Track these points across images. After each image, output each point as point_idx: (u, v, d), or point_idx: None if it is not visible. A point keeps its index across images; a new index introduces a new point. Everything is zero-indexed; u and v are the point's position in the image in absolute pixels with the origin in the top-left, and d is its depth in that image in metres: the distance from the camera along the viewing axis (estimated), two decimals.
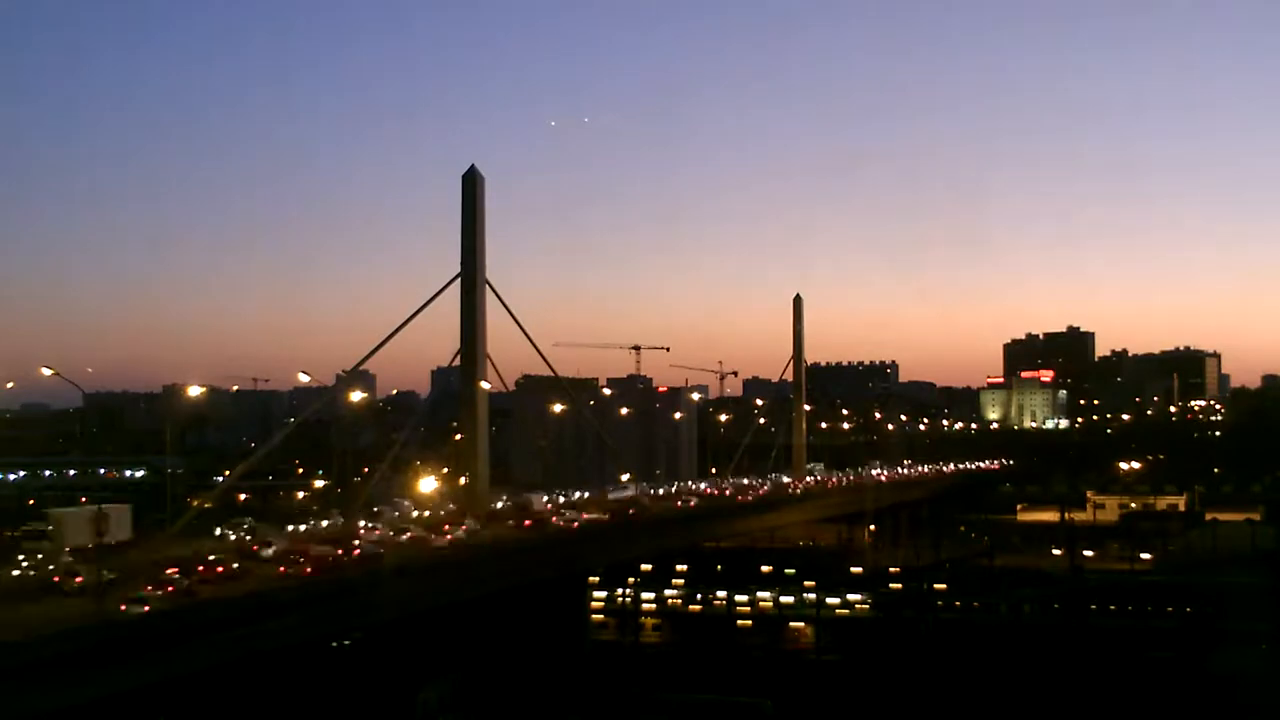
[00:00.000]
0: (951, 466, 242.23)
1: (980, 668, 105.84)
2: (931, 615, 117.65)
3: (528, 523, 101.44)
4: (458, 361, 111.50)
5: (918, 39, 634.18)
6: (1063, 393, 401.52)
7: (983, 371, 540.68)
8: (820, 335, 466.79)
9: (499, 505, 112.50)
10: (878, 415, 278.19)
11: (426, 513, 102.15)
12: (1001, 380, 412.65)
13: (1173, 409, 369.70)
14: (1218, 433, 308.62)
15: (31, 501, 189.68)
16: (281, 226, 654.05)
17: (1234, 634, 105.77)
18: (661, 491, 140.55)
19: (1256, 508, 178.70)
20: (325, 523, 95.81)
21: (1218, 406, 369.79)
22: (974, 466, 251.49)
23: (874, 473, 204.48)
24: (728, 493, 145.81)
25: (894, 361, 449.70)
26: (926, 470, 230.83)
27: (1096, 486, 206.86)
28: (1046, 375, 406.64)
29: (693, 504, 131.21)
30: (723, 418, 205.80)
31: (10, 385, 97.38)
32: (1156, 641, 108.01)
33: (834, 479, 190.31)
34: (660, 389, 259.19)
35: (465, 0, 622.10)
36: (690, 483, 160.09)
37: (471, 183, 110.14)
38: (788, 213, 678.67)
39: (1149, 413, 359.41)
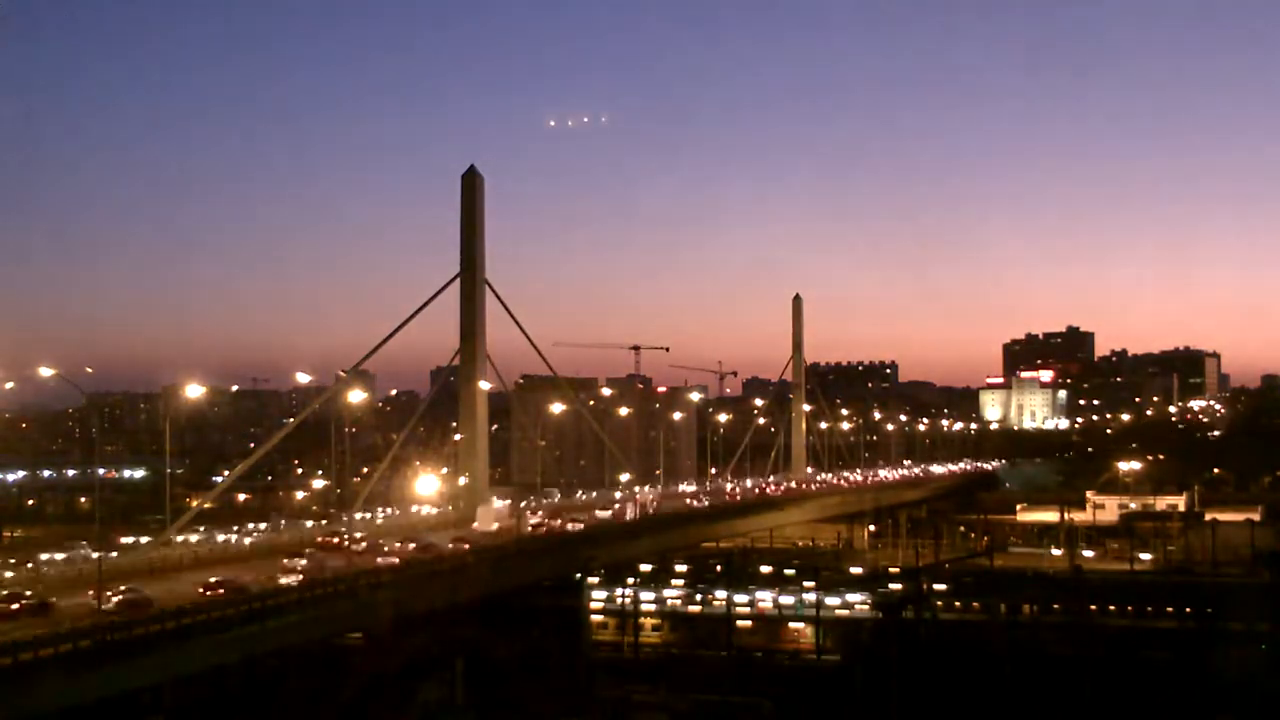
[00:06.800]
0: (952, 467, 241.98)
1: (979, 667, 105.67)
2: (931, 615, 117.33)
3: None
4: (458, 361, 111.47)
5: (918, 38, 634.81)
6: (1063, 393, 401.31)
7: (983, 371, 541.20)
8: (820, 335, 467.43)
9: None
10: (877, 415, 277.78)
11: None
12: (1001, 380, 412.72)
13: (1173, 409, 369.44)
14: (1218, 432, 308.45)
15: (31, 502, 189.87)
16: (282, 226, 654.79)
17: (1234, 634, 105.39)
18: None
19: (1256, 508, 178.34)
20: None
21: (1218, 406, 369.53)
22: (974, 467, 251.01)
23: (873, 472, 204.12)
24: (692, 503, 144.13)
25: (894, 361, 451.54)
26: (927, 470, 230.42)
27: (1096, 486, 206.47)
28: (1046, 375, 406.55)
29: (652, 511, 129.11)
30: (723, 418, 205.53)
31: (10, 385, 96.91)
32: (1156, 641, 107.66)
33: (832, 479, 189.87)
34: (660, 389, 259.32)
35: (465, 0, 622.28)
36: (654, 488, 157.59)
37: (471, 183, 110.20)
38: (788, 213, 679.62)
39: (1149, 413, 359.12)
